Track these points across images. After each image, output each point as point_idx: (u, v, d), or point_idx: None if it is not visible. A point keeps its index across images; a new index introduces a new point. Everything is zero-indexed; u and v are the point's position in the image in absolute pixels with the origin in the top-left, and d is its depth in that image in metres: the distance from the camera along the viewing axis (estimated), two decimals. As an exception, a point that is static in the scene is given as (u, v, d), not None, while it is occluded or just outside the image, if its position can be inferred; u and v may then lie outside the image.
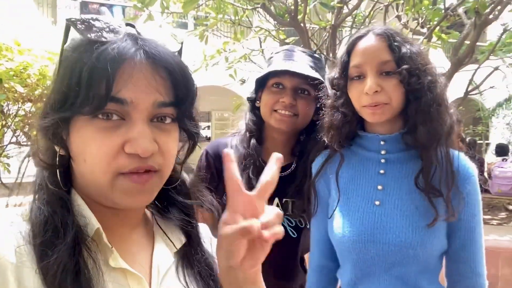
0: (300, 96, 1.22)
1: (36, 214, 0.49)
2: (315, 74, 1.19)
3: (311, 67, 1.23)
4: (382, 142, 1.02)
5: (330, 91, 1.09)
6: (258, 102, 1.32)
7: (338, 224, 1.02)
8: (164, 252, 0.59)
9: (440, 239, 0.95)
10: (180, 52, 0.58)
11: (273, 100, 1.23)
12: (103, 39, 0.50)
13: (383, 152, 1.03)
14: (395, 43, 0.96)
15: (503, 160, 6.50)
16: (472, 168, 1.00)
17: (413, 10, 4.12)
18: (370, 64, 0.96)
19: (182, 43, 0.58)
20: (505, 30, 4.75)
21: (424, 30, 4.67)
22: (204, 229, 0.69)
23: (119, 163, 0.50)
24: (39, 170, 0.55)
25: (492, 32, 5.12)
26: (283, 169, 1.23)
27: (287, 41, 4.18)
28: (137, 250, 0.58)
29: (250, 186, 1.09)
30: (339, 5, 3.76)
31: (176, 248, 0.60)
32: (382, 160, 1.03)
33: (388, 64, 0.96)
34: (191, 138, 0.60)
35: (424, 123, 0.94)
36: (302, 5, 3.87)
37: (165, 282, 0.57)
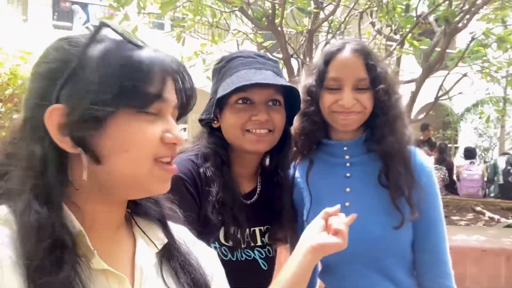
0: (273, 109, 1.07)
1: (23, 215, 0.48)
2: (285, 82, 1.08)
3: (276, 72, 1.09)
4: (345, 148, 1.09)
5: (303, 97, 1.10)
6: (215, 122, 1.12)
7: None
8: (146, 252, 0.61)
9: (407, 230, 1.02)
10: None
11: (243, 119, 1.05)
12: (140, 44, 0.56)
13: (347, 156, 1.09)
14: (371, 62, 1.04)
15: (470, 163, 6.77)
16: (427, 162, 1.08)
17: (386, 17, 4.23)
18: (347, 79, 1.03)
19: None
20: (473, 38, 4.96)
21: (397, 36, 4.81)
22: (183, 231, 0.71)
23: (159, 152, 0.56)
24: (22, 173, 0.52)
25: (461, 40, 5.33)
26: (248, 196, 1.14)
27: (264, 44, 4.21)
28: (119, 251, 0.59)
29: (216, 209, 1.03)
30: (315, 10, 3.83)
31: (157, 248, 0.62)
32: (347, 164, 1.09)
33: (364, 81, 1.03)
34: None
35: (391, 134, 1.03)
36: (280, 9, 3.92)
37: (147, 282, 0.58)
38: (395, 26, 4.74)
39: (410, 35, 4.58)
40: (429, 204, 1.04)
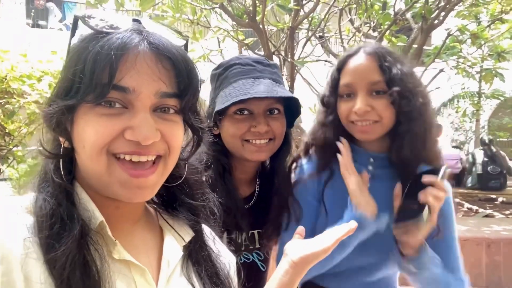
0: (272, 117, 1.06)
1: (41, 206, 0.49)
2: (284, 90, 1.06)
3: (275, 80, 1.07)
4: (371, 159, 1.03)
5: (321, 108, 1.08)
6: (215, 129, 1.11)
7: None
8: (173, 246, 0.60)
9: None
10: (185, 47, 0.58)
11: (242, 129, 1.05)
12: (109, 30, 0.51)
13: (370, 167, 1.04)
14: (386, 63, 0.96)
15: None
16: (448, 187, 1.02)
17: (365, 14, 4.29)
18: (360, 83, 0.97)
19: (187, 39, 0.59)
20: (449, 34, 5.09)
21: (376, 33, 4.88)
22: (206, 228, 0.69)
23: (115, 146, 0.50)
24: (45, 163, 0.55)
25: (436, 37, 5.45)
26: (247, 200, 1.14)
27: (245, 41, 4.20)
28: (140, 243, 0.58)
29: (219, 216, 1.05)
30: (296, 7, 3.85)
31: (185, 241, 0.60)
32: (369, 175, 1.02)
33: (379, 84, 0.96)
34: (196, 133, 0.59)
35: (411, 147, 0.95)
36: (260, 6, 3.92)
37: (170, 275, 0.57)
38: (373, 23, 4.81)
39: (388, 32, 4.65)
40: (445, 229, 1.00)
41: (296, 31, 4.26)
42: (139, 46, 0.50)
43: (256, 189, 1.16)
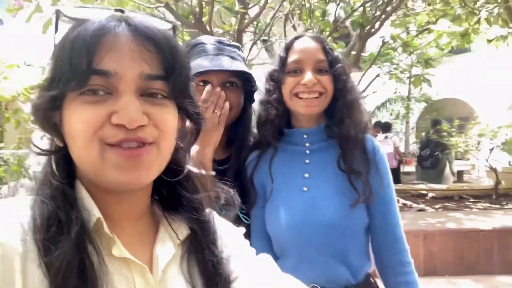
0: (229, 89, 1.19)
1: (39, 208, 0.48)
2: (239, 66, 1.19)
3: (233, 57, 1.22)
4: (305, 136, 1.13)
5: (266, 86, 1.15)
6: None
7: (274, 214, 1.08)
8: (166, 244, 0.57)
9: (362, 215, 1.06)
10: (173, 31, 0.56)
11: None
12: (88, 18, 0.49)
13: (307, 144, 1.12)
14: (328, 47, 1.09)
15: (385, 137, 7.38)
16: (381, 148, 1.16)
17: (309, 20, 4.44)
18: (307, 61, 1.07)
19: (174, 25, 0.57)
20: (384, 42, 5.44)
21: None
22: (214, 217, 0.64)
23: (104, 133, 0.48)
24: (44, 165, 0.53)
25: (371, 44, 5.81)
26: (222, 163, 1.21)
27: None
28: (138, 241, 0.56)
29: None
30: (242, 10, 3.89)
31: (179, 239, 0.58)
32: (307, 151, 1.12)
33: (323, 63, 1.07)
34: (191, 118, 0.56)
35: (349, 116, 1.07)
36: (207, 7, 3.89)
37: (167, 274, 0.55)
38: (316, 29, 4.99)
39: (329, 38, 4.86)
40: (385, 186, 1.09)
41: (242, 34, 4.30)
42: (118, 27, 0.48)
43: (230, 155, 1.26)
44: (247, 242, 0.67)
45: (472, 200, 5.71)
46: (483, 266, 3.06)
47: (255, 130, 1.24)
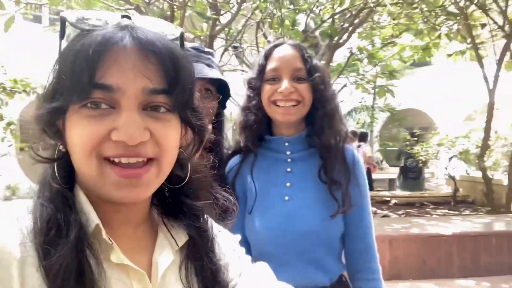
0: (205, 96, 1.17)
1: (39, 211, 0.48)
2: (214, 73, 1.17)
3: (208, 64, 1.20)
4: (286, 144, 1.13)
5: (246, 92, 1.16)
6: None
7: (256, 221, 1.08)
8: (165, 250, 0.57)
9: (338, 224, 1.09)
10: (180, 40, 0.55)
11: None
12: (94, 28, 0.48)
13: (288, 152, 1.13)
14: (306, 55, 1.09)
15: (358, 146, 7.59)
16: (359, 157, 1.18)
17: (280, 29, 4.51)
18: (285, 69, 1.07)
19: (181, 33, 0.55)
20: (351, 53, 5.62)
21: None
22: (213, 225, 0.64)
23: (103, 149, 0.47)
24: (44, 169, 0.53)
25: (339, 54, 5.98)
26: None
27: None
28: (137, 247, 0.55)
29: None
30: (215, 16, 3.89)
31: (177, 245, 0.57)
32: (288, 160, 1.12)
33: (301, 71, 1.07)
34: (195, 130, 0.55)
35: (329, 126, 1.08)
36: (179, 12, 3.86)
37: (166, 280, 0.54)
38: (286, 38, 5.07)
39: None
40: (362, 197, 1.12)
41: (213, 40, 4.30)
42: (121, 41, 0.47)
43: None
44: (243, 249, 0.67)
45: (432, 206, 5.98)
46: (444, 270, 3.20)
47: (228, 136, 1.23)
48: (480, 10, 5.06)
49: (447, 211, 5.49)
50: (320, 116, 1.09)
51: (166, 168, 0.52)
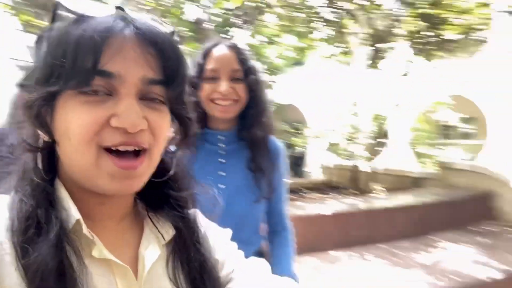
0: None
1: (17, 208, 0.46)
2: None
3: None
4: (220, 137, 1.23)
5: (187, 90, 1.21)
6: None
7: None
8: (152, 244, 0.56)
9: (263, 205, 1.27)
10: (172, 35, 0.54)
11: None
12: (91, 14, 0.48)
13: (222, 145, 1.23)
14: (243, 57, 1.19)
15: None
16: (281, 146, 1.35)
17: (169, 18, 4.48)
18: (223, 70, 1.16)
19: (173, 29, 0.54)
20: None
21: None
22: (198, 214, 0.64)
23: (102, 137, 0.47)
24: (23, 161, 0.50)
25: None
26: None
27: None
28: (121, 242, 0.54)
29: None
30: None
31: (164, 240, 0.57)
32: (223, 152, 1.23)
33: (238, 72, 1.17)
34: (183, 124, 0.57)
35: (259, 122, 1.21)
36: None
37: (152, 275, 0.54)
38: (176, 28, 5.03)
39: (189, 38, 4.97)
40: (281, 181, 1.29)
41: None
42: (125, 30, 0.47)
43: None
44: (235, 244, 0.69)
45: (306, 191, 6.67)
46: (320, 245, 3.66)
47: None
48: (353, 20, 5.83)
49: (320, 195, 6.20)
50: (252, 113, 1.21)
51: (156, 158, 0.52)
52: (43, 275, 0.42)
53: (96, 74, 0.45)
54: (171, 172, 0.58)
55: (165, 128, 0.52)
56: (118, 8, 0.50)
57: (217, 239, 0.65)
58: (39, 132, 0.49)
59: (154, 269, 0.54)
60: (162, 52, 0.49)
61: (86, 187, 0.49)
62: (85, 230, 0.48)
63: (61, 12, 0.48)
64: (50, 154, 0.50)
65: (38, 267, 0.42)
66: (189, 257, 0.58)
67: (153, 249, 0.56)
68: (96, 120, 0.46)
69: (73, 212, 0.48)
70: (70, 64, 0.45)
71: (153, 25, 0.50)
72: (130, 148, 0.48)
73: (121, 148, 0.47)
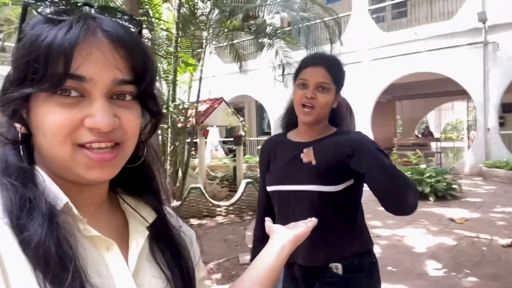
0: None
1: (7, 189, 0.48)
2: None
3: None
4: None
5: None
6: None
7: None
8: (139, 227, 0.59)
9: None
10: (140, 32, 0.57)
11: None
12: (62, 17, 0.49)
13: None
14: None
15: None
16: None
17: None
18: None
19: (141, 23, 0.57)
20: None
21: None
22: (169, 211, 0.67)
23: (77, 136, 0.49)
24: (6, 149, 0.52)
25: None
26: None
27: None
28: (105, 226, 0.57)
29: None
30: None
31: (148, 222, 0.60)
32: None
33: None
34: (154, 116, 0.59)
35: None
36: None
37: (141, 256, 0.57)
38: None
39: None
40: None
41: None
42: (94, 34, 0.48)
43: None
44: (198, 247, 0.72)
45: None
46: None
47: None
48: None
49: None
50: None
51: (129, 150, 0.54)
52: (45, 246, 0.45)
53: (69, 78, 0.47)
54: (142, 159, 0.61)
55: (135, 124, 0.54)
56: (85, 4, 0.51)
57: (187, 237, 0.68)
58: (16, 125, 0.52)
59: (143, 250, 0.57)
60: (131, 53, 0.50)
61: (64, 176, 0.52)
62: (74, 210, 0.50)
63: (30, 12, 0.50)
64: (27, 144, 0.52)
65: (39, 239, 0.45)
66: (168, 238, 0.61)
67: (142, 231, 0.59)
68: (71, 121, 0.48)
69: (60, 196, 0.50)
70: (42, 69, 0.47)
71: (121, 25, 0.52)
72: (103, 145, 0.50)
73: (94, 146, 0.49)
